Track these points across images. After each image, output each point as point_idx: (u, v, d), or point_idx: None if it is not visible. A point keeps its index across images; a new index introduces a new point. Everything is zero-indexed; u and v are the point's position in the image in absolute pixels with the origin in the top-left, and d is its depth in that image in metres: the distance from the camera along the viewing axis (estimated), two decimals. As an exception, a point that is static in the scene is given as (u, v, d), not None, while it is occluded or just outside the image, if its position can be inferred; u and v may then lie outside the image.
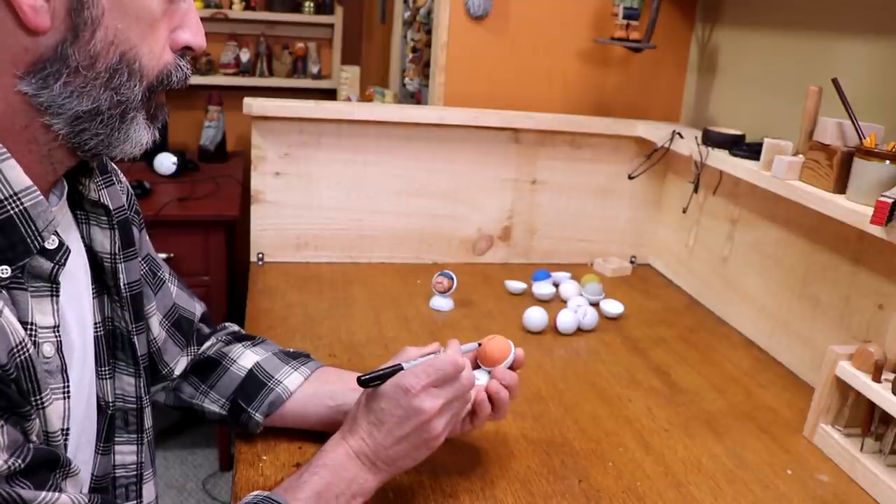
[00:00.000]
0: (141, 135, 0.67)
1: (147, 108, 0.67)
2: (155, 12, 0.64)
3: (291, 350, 1.01)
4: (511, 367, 0.89)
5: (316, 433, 0.95)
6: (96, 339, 0.75)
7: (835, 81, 1.14)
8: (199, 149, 2.75)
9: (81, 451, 0.73)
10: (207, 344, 0.99)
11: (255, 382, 0.94)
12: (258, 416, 0.93)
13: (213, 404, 0.95)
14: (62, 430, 0.66)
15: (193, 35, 0.68)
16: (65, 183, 0.71)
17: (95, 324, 0.75)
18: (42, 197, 0.63)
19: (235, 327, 1.05)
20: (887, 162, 1.04)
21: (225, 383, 0.95)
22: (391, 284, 1.55)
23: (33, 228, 0.62)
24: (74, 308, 0.71)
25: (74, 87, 0.61)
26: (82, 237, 0.75)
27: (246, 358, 0.96)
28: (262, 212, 1.58)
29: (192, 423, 2.60)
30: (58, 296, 0.67)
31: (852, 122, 1.13)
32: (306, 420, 0.95)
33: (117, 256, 0.76)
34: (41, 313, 0.65)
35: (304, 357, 0.99)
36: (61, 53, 0.60)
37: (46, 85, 0.60)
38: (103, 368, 0.76)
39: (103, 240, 0.75)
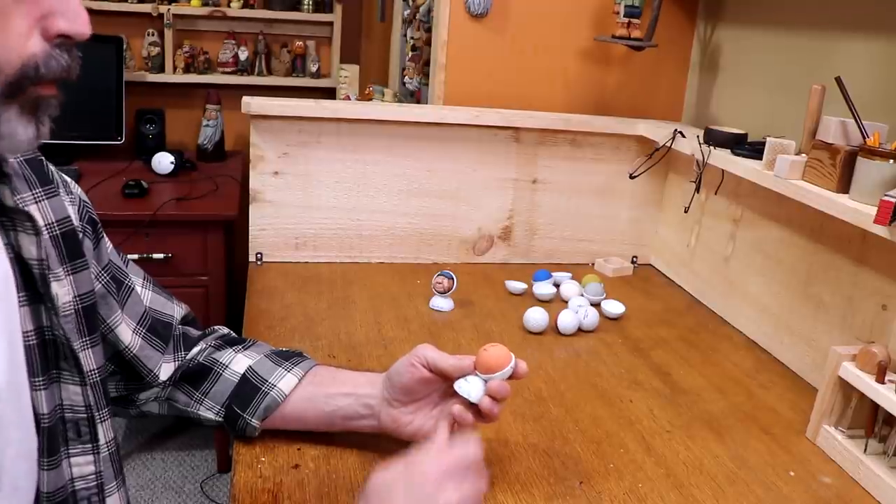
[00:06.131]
0: (15, 130, 0.61)
1: (19, 102, 0.60)
2: (4, 1, 0.57)
3: (284, 350, 0.99)
4: (509, 378, 0.88)
5: (315, 434, 0.94)
6: (27, 348, 0.70)
7: (838, 80, 1.14)
8: (198, 148, 2.74)
9: (16, 466, 0.68)
10: (196, 349, 0.97)
11: (248, 387, 0.93)
12: (254, 422, 0.92)
13: (208, 412, 0.94)
14: None
15: (70, 22, 0.60)
16: None
17: (26, 332, 0.70)
18: None
19: (225, 330, 1.03)
20: (891, 161, 1.04)
21: (219, 390, 0.94)
22: (391, 284, 1.54)
23: None
24: None
25: None
26: (10, 244, 0.69)
27: (238, 363, 0.95)
28: (261, 211, 1.58)
29: (190, 425, 2.59)
30: None
31: (856, 120, 1.12)
32: (303, 422, 0.94)
33: (44, 263, 0.71)
34: None
35: (297, 356, 0.97)
36: None
37: None
38: (37, 379, 0.71)
39: (30, 246, 0.70)
